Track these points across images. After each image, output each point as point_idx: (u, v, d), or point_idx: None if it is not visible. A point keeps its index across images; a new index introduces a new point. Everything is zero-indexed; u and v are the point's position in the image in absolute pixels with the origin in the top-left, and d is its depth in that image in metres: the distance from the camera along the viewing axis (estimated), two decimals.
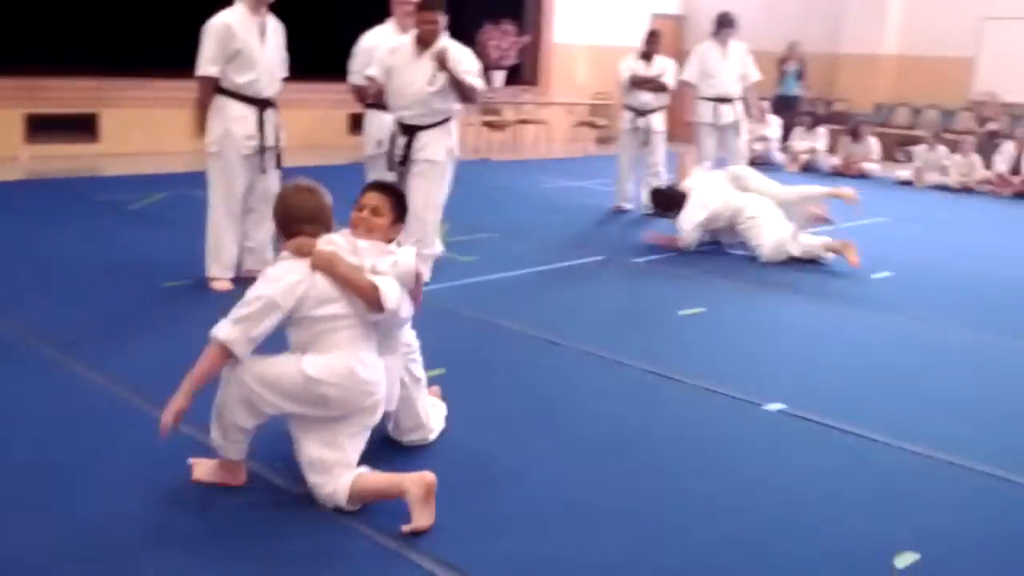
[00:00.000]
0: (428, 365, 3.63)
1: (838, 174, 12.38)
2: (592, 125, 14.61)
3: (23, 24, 10.10)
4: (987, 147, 12.14)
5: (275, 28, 5.67)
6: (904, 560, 2.94)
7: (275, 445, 3.28)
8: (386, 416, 3.37)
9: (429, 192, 5.79)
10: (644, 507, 3.21)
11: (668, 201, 7.43)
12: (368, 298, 3.03)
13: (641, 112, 8.88)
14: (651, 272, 6.69)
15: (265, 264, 5.54)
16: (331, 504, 3.01)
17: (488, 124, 13.38)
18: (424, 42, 5.59)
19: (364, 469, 3.06)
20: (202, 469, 3.16)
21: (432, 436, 3.59)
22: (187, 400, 2.96)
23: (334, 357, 3.03)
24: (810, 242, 7.07)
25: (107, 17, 10.62)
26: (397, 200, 3.38)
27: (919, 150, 12.33)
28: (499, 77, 13.97)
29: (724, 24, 8.97)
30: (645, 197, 8.72)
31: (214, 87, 5.52)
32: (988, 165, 11.75)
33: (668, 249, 7.23)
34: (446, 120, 5.82)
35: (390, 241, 3.30)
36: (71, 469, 3.25)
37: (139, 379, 4.04)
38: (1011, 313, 6.01)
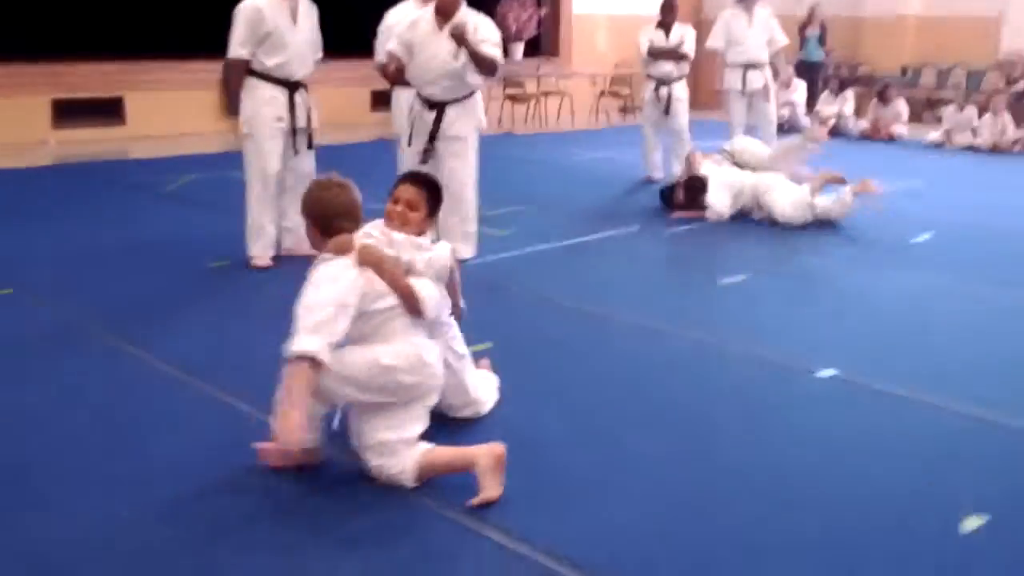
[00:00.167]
0: (474, 339, 3.65)
1: (866, 138, 12.28)
2: (615, 95, 14.51)
3: (47, 10, 10.11)
4: (1016, 107, 11.98)
5: (308, 10, 5.68)
6: (972, 523, 2.93)
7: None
8: None
9: (464, 170, 5.76)
10: (705, 476, 3.22)
11: (691, 191, 7.40)
12: (409, 303, 3.07)
13: (663, 82, 8.82)
14: (686, 242, 6.67)
15: (303, 242, 5.60)
16: (395, 483, 3.02)
17: (511, 97, 13.32)
18: (444, 14, 5.49)
19: (428, 445, 3.08)
20: (273, 454, 3.09)
21: (485, 409, 3.59)
22: (302, 418, 2.79)
23: (399, 346, 3.05)
24: (829, 201, 7.07)
25: (130, 1, 10.61)
26: (432, 193, 3.40)
27: (948, 111, 12.20)
28: (519, 50, 13.89)
29: None
30: (675, 167, 8.66)
31: (245, 69, 5.55)
32: (1019, 125, 11.60)
33: (696, 219, 7.20)
34: (472, 94, 5.74)
35: (421, 233, 3.32)
36: (134, 452, 3.27)
37: (194, 360, 4.07)
38: None
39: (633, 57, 11.02)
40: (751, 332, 4.66)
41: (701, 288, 5.52)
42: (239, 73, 5.61)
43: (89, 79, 10.52)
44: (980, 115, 11.88)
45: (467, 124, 5.72)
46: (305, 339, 2.83)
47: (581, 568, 2.65)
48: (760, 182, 7.29)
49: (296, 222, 5.77)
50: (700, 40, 8.99)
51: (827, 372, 4.13)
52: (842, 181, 7.20)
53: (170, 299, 5.06)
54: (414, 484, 3.02)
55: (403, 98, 6.31)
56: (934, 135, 11.97)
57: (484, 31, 5.53)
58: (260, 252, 5.68)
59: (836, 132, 12.54)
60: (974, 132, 11.75)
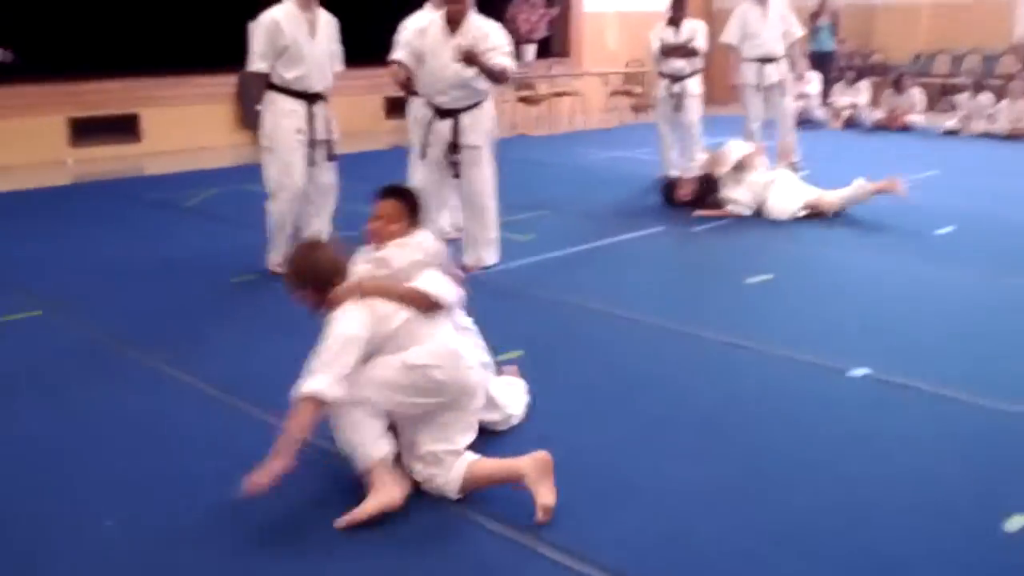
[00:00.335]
0: (505, 347, 3.66)
1: (881, 128, 12.22)
2: (627, 93, 14.49)
3: (60, 29, 10.16)
4: None
5: (327, 22, 5.71)
6: (1015, 523, 2.92)
7: None
8: None
9: (482, 178, 5.72)
10: (744, 480, 3.21)
11: (702, 190, 7.40)
12: (425, 305, 3.09)
13: (675, 78, 8.78)
14: (711, 241, 6.65)
15: None
16: (441, 494, 3.03)
17: (523, 99, 13.31)
18: (454, 22, 5.43)
19: (475, 456, 3.08)
20: (355, 516, 2.93)
21: (515, 417, 3.58)
22: (287, 461, 2.86)
23: (429, 344, 3.08)
24: (845, 192, 7.10)
25: (141, 18, 10.66)
26: (410, 203, 3.41)
27: (963, 98, 12.13)
28: (530, 51, 13.87)
29: None
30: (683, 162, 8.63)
31: (265, 82, 5.58)
32: None
33: (718, 217, 7.18)
34: (483, 101, 5.68)
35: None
36: (170, 471, 3.29)
37: (226, 377, 4.09)
38: None
39: (645, 54, 11.01)
40: (781, 332, 4.64)
41: (728, 288, 5.50)
42: (259, 86, 5.65)
43: (104, 97, 10.57)
44: (997, 100, 11.80)
45: (480, 132, 5.67)
46: (310, 380, 2.92)
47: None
48: (769, 178, 7.29)
49: (317, 232, 5.81)
50: (712, 34, 8.94)
51: (860, 371, 4.11)
52: (895, 189, 7.14)
53: (200, 315, 5.08)
54: (458, 496, 3.02)
55: (417, 106, 6.32)
56: (950, 123, 11.91)
57: (494, 39, 5.44)
58: (279, 259, 5.73)
59: (851, 123, 12.51)
60: (990, 118, 11.67)
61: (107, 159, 10.28)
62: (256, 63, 5.55)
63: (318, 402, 2.91)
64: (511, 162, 9.77)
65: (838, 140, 11.32)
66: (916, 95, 12.43)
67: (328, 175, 5.82)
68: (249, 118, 10.77)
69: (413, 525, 2.93)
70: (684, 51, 8.64)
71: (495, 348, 3.69)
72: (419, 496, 3.05)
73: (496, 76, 5.45)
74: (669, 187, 7.79)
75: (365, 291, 3.10)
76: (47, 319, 4.97)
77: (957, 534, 2.88)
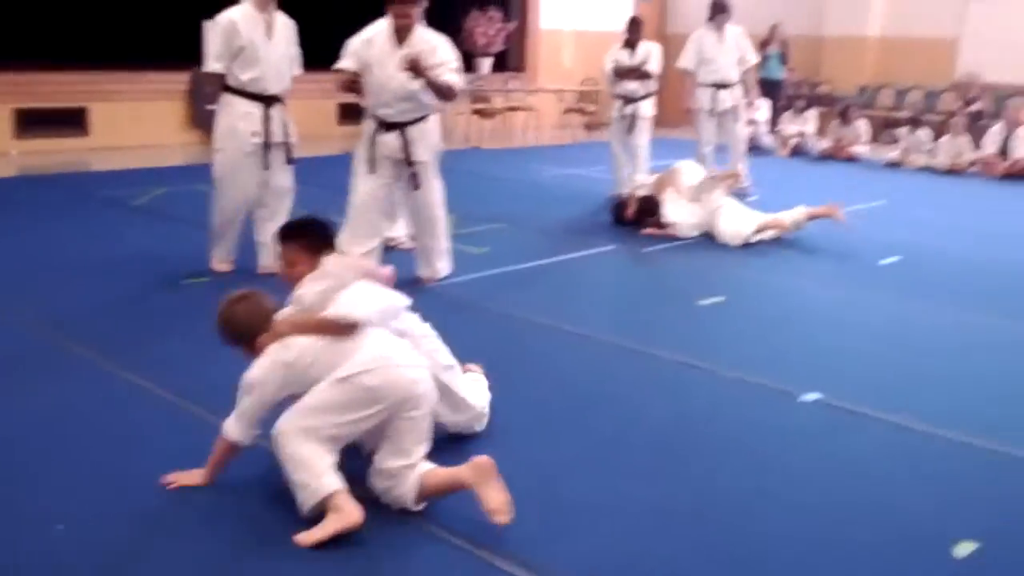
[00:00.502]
0: (461, 360, 3.64)
1: (827, 157, 12.48)
2: (581, 112, 14.61)
3: (10, 18, 9.96)
4: (972, 128, 12.26)
5: (284, 25, 5.69)
6: (963, 549, 3.00)
7: None
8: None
9: (431, 192, 5.66)
10: (695, 502, 3.24)
11: (643, 210, 7.52)
12: (338, 330, 3.07)
13: (628, 100, 8.89)
14: (662, 262, 6.73)
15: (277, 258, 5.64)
16: (398, 506, 3.03)
17: (478, 112, 13.35)
18: (401, 33, 5.32)
19: (428, 466, 3.08)
20: (314, 534, 2.89)
21: (483, 418, 3.62)
22: (204, 481, 3.14)
23: (356, 356, 3.04)
24: (778, 219, 7.27)
25: (94, 10, 10.49)
26: (307, 238, 3.37)
27: (903, 132, 12.45)
28: (486, 64, 13.94)
29: (719, 10, 9.01)
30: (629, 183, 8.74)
31: (220, 83, 5.56)
32: (975, 146, 11.86)
33: (667, 238, 7.27)
34: (428, 115, 5.58)
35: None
36: (120, 472, 3.24)
37: (177, 378, 4.05)
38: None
39: (599, 74, 11.13)
40: (733, 354, 4.72)
41: (681, 309, 5.57)
42: (213, 87, 5.65)
43: (52, 89, 10.38)
44: (937, 136, 12.13)
45: (426, 146, 5.57)
46: (227, 421, 3.11)
47: None
48: (714, 205, 7.40)
49: (269, 234, 5.78)
50: (668, 57, 9.06)
51: (811, 396, 4.19)
52: (834, 215, 7.33)
53: (151, 316, 5.01)
54: (417, 506, 3.03)
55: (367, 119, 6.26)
56: (892, 155, 12.20)
57: (441, 53, 5.35)
58: (222, 257, 5.85)
59: (798, 151, 12.76)
60: (930, 153, 11.98)
61: (53, 152, 10.09)
62: (211, 63, 5.54)
63: (230, 443, 3.11)
64: (465, 174, 9.83)
65: (786, 167, 11.54)
66: (861, 127, 12.73)
67: (284, 178, 5.79)
68: (202, 117, 10.67)
69: (375, 538, 2.92)
70: (637, 73, 8.76)
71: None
72: (379, 509, 3.04)
73: (443, 92, 5.38)
74: (619, 206, 7.87)
75: (281, 332, 3.11)
76: None
77: (908, 561, 2.94)
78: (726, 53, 8.97)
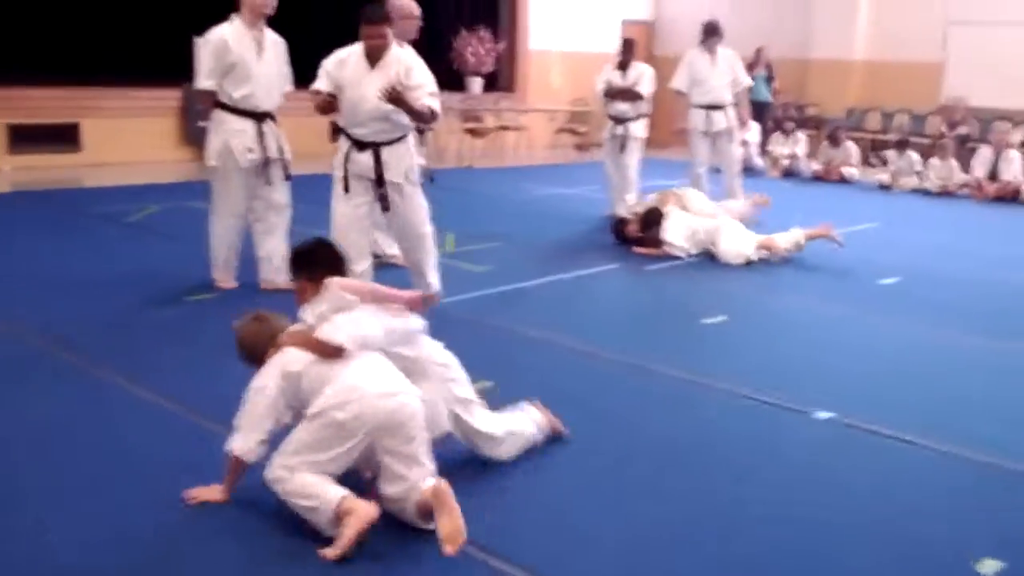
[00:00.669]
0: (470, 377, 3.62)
1: (819, 178, 12.57)
2: (572, 132, 14.67)
3: (2, 34, 9.91)
4: (960, 151, 12.38)
5: (274, 42, 5.74)
6: (988, 567, 3.00)
7: None
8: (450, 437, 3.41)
9: (414, 211, 5.45)
10: (710, 519, 3.24)
11: (646, 221, 7.55)
12: (323, 352, 3.09)
13: (620, 120, 8.94)
14: (663, 281, 6.74)
15: (278, 272, 5.71)
16: (413, 525, 3.04)
17: (470, 131, 13.38)
18: (373, 57, 5.18)
19: (428, 483, 3.00)
20: (339, 544, 2.88)
21: (499, 446, 3.52)
22: (220, 498, 3.14)
23: (335, 383, 3.03)
24: (780, 242, 7.30)
25: (86, 26, 10.46)
26: (311, 265, 3.38)
27: (891, 155, 12.56)
28: (476, 84, 14.00)
29: (711, 33, 9.06)
30: (619, 204, 8.79)
31: (212, 100, 5.60)
32: (964, 169, 11.98)
33: (659, 257, 7.29)
34: (405, 136, 5.41)
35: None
36: (128, 486, 3.22)
37: (184, 391, 4.06)
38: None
39: (589, 94, 11.18)
40: (739, 372, 4.71)
41: (684, 327, 5.58)
42: (205, 104, 5.69)
43: (44, 104, 10.32)
44: (924, 158, 12.25)
45: (401, 167, 5.36)
46: (231, 438, 3.12)
47: None
48: (714, 224, 7.46)
49: (269, 251, 5.79)
50: (660, 79, 9.11)
51: (824, 414, 4.20)
52: (828, 235, 7.38)
53: (154, 331, 4.98)
54: (426, 524, 2.99)
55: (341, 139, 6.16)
56: (883, 177, 12.30)
57: (418, 76, 5.19)
58: (223, 276, 5.85)
59: (789, 173, 12.85)
60: (920, 175, 12.09)
61: (46, 168, 10.02)
62: (202, 80, 5.58)
63: (237, 458, 3.10)
64: (460, 192, 9.86)
65: (778, 189, 11.58)
66: (851, 148, 12.83)
67: (281, 194, 5.80)
68: (193, 134, 10.65)
69: (395, 552, 2.91)
70: (628, 94, 8.81)
71: None
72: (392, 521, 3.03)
73: (423, 117, 5.31)
74: (620, 223, 7.89)
75: (281, 343, 3.18)
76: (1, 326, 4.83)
77: None
78: (718, 75, 9.02)
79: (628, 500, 3.35)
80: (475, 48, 13.96)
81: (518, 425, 3.62)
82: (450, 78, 12.96)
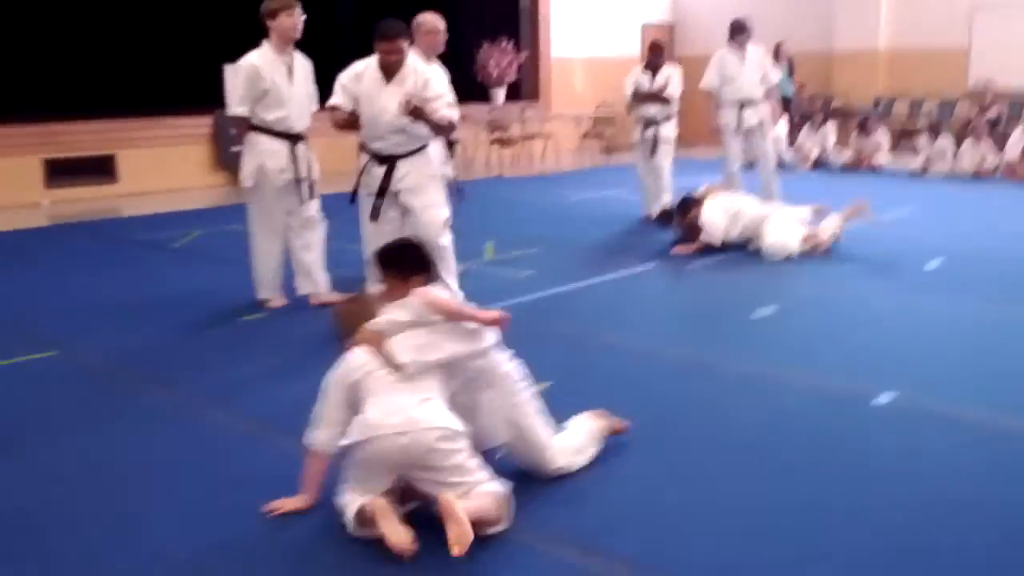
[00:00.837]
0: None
1: (850, 168, 12.52)
2: (598, 136, 14.71)
3: (36, 71, 10.08)
4: (992, 134, 12.29)
5: (302, 64, 5.83)
6: None
7: None
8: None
9: (430, 220, 5.42)
10: (791, 507, 3.24)
11: (684, 207, 7.56)
12: (389, 364, 3.16)
13: (650, 123, 8.98)
14: (707, 278, 6.73)
15: (316, 286, 5.89)
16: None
17: (497, 141, 13.44)
18: (389, 71, 5.21)
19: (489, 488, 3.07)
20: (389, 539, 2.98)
21: (554, 461, 3.47)
22: (302, 504, 3.18)
23: (366, 412, 3.10)
24: (821, 232, 7.25)
25: (117, 59, 10.62)
26: (398, 265, 3.43)
27: (923, 141, 12.50)
28: (500, 94, 14.07)
29: (738, 31, 9.06)
30: (654, 205, 8.85)
31: (246, 126, 5.71)
32: (998, 151, 11.89)
33: (698, 252, 7.30)
34: (424, 146, 5.44)
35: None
36: (217, 505, 3.26)
37: (257, 410, 4.09)
38: None
39: (614, 98, 11.20)
40: (799, 362, 4.72)
41: (735, 322, 5.58)
42: (239, 130, 5.78)
43: (80, 138, 10.48)
44: (957, 143, 12.17)
45: (418, 177, 5.39)
46: (308, 432, 3.20)
47: None
48: (762, 212, 7.44)
49: (306, 264, 5.89)
50: (686, 79, 9.13)
51: (885, 398, 4.19)
52: (862, 212, 7.32)
53: (214, 352, 5.04)
54: (502, 525, 3.04)
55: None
56: (915, 164, 12.24)
57: (435, 87, 5.24)
58: (270, 294, 5.92)
59: (819, 165, 12.80)
60: (953, 160, 12.02)
61: (84, 200, 10.16)
62: (236, 107, 5.69)
63: (313, 452, 3.18)
64: (492, 200, 9.91)
65: (811, 181, 11.56)
66: (882, 136, 12.77)
67: (312, 210, 5.89)
68: (226, 159, 10.78)
69: (489, 549, 2.93)
70: (656, 98, 8.85)
71: None
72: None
73: (443, 129, 5.37)
74: (665, 213, 7.88)
75: (359, 339, 3.25)
76: (63, 359, 4.90)
77: (1013, 559, 2.93)
78: (748, 72, 9.01)
79: (710, 492, 3.36)
80: (497, 59, 14.03)
81: (575, 441, 3.58)
82: (474, 89, 13.05)
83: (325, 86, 5.68)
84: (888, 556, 2.92)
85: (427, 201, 5.43)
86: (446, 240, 5.57)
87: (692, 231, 7.46)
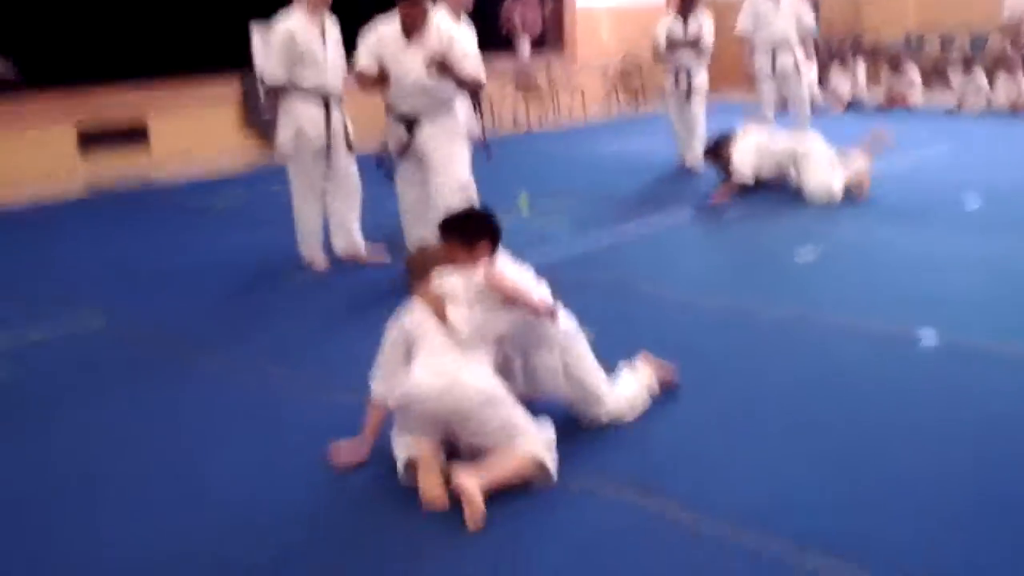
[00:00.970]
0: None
1: (882, 108, 12.36)
2: (626, 86, 14.59)
3: (65, 38, 10.11)
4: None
5: (332, 26, 5.83)
6: None
7: None
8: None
9: (448, 183, 5.37)
10: (842, 450, 3.27)
11: (717, 145, 7.56)
12: (449, 329, 3.23)
13: (683, 71, 8.89)
14: (746, 225, 6.72)
15: (355, 245, 5.94)
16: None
17: (523, 94, 13.35)
18: (411, 30, 5.18)
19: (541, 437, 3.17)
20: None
21: (600, 404, 3.54)
22: (357, 457, 3.30)
23: (413, 372, 3.19)
24: (858, 174, 7.19)
25: (142, 24, 10.61)
26: (461, 232, 3.45)
27: (956, 77, 12.31)
28: (526, 46, 13.95)
29: None
30: (688, 153, 8.85)
31: (281, 91, 5.73)
32: None
33: (734, 193, 7.29)
34: (450, 107, 5.44)
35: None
36: (278, 462, 3.34)
37: (318, 365, 4.18)
38: None
39: (640, 47, 11.07)
40: (845, 305, 4.74)
41: (778, 268, 5.59)
42: (274, 95, 5.80)
43: (112, 104, 10.50)
44: (989, 78, 11.98)
45: (443, 136, 5.39)
46: (374, 383, 3.33)
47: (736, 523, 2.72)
48: (798, 147, 7.36)
49: (343, 219, 5.95)
50: (720, 25, 9.03)
51: (933, 334, 4.21)
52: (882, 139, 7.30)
53: (263, 314, 5.12)
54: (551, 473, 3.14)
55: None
56: (948, 101, 12.07)
57: (460, 44, 5.19)
58: (313, 254, 5.96)
59: (852, 104, 12.65)
60: (988, 95, 11.84)
61: (118, 166, 10.23)
62: (273, 73, 5.70)
63: (373, 402, 3.31)
64: (524, 154, 9.89)
65: (844, 123, 11.45)
66: (914, 74, 12.60)
67: (349, 166, 5.92)
68: (255, 117, 10.82)
69: (557, 493, 3.03)
70: (691, 45, 8.75)
71: None
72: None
73: (470, 86, 5.35)
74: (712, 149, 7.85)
75: (421, 294, 3.35)
76: (115, 327, 4.98)
77: None
78: (782, 16, 8.89)
79: (759, 437, 3.40)
80: (522, 11, 13.89)
81: (629, 390, 3.63)
82: (499, 42, 12.95)
83: (349, 46, 5.71)
84: (944, 503, 2.95)
85: (448, 160, 5.40)
86: (456, 199, 5.56)
87: (726, 170, 7.44)
